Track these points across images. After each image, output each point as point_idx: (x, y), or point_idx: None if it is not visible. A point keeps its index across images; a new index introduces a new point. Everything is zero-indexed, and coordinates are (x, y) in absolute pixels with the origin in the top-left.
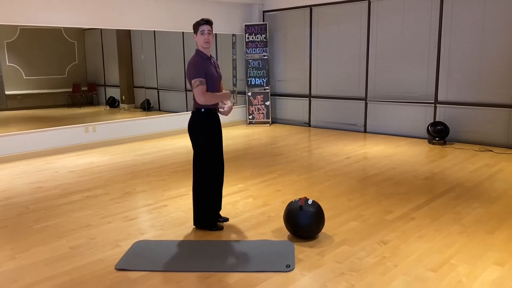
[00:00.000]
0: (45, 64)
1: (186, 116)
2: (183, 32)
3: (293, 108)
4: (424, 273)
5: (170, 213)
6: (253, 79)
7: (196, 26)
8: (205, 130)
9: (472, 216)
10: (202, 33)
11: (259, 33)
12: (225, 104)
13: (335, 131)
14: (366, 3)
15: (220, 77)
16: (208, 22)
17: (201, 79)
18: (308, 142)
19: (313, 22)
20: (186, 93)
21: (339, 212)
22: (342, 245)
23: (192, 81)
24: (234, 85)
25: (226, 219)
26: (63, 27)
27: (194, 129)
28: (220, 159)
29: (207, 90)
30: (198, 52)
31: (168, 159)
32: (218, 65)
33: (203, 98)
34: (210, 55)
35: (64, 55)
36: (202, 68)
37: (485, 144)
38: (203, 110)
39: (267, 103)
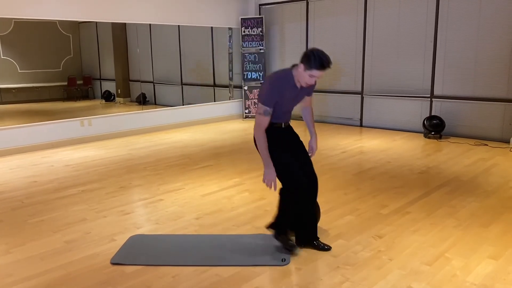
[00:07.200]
0: (40, 57)
1: (182, 110)
2: (179, 26)
3: None
4: (419, 266)
5: (165, 207)
6: (250, 73)
7: (312, 64)
8: (271, 145)
9: (467, 210)
10: (311, 76)
11: (255, 26)
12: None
13: (331, 125)
14: None
15: (295, 97)
16: (326, 68)
17: (268, 109)
18: (304, 137)
19: (309, 16)
20: (182, 87)
21: (334, 206)
22: (337, 239)
23: (259, 104)
24: (231, 79)
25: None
26: (58, 20)
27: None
28: (305, 170)
29: (275, 111)
30: (289, 74)
31: (163, 153)
32: (304, 87)
33: (257, 130)
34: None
35: (59, 49)
36: (278, 94)
37: (481, 138)
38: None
39: None
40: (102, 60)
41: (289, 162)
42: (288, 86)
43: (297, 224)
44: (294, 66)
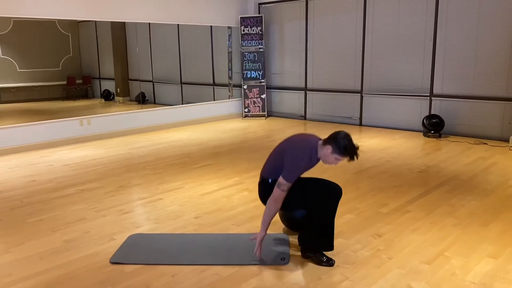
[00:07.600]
0: (39, 56)
1: (181, 109)
2: (178, 25)
3: (288, 101)
4: (419, 265)
5: (165, 207)
6: (249, 72)
7: (343, 152)
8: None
9: (466, 209)
10: (337, 159)
11: (255, 25)
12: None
13: (330, 124)
14: None
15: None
16: (355, 159)
17: (290, 185)
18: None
19: (309, 15)
20: (181, 86)
21: None
22: (337, 238)
23: (282, 179)
24: (230, 78)
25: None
26: (57, 19)
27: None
28: (322, 182)
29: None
30: (315, 151)
31: (163, 152)
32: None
33: (273, 203)
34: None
35: (58, 48)
36: (302, 172)
37: (480, 137)
38: (270, 181)
39: (263, 96)
40: (101, 59)
41: (303, 180)
42: (311, 163)
43: (317, 232)
44: (319, 140)
